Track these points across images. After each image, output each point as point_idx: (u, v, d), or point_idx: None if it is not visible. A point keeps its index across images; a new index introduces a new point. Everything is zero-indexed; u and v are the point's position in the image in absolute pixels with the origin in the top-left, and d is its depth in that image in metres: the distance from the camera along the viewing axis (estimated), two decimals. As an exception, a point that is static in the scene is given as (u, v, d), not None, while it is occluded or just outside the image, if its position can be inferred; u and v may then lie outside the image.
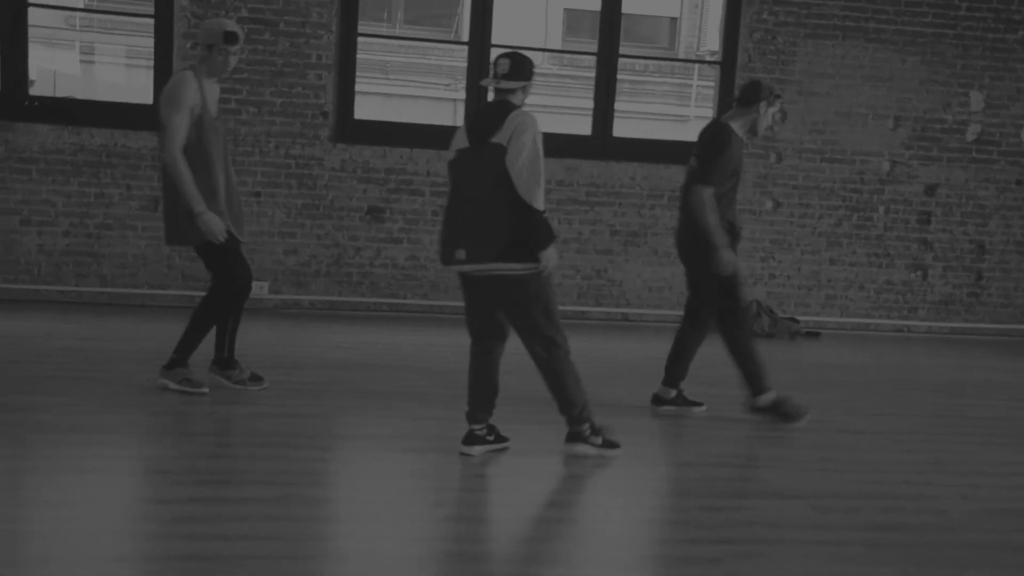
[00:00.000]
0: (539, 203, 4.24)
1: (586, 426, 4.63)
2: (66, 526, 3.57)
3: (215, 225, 4.93)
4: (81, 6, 12.23)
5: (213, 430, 4.68)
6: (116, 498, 3.99)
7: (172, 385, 5.19)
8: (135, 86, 13.79)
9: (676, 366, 5.63)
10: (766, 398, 5.38)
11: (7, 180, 7.34)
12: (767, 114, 5.35)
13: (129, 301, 7.56)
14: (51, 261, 7.48)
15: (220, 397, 5.21)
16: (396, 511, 3.94)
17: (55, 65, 13.12)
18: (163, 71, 7.52)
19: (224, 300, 5.19)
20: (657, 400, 5.64)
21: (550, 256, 4.29)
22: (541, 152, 4.29)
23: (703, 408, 5.60)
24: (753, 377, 5.38)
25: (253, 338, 6.93)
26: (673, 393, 5.64)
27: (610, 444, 4.68)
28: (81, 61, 15.83)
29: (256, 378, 5.39)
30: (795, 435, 5.23)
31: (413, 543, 3.64)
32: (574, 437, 4.63)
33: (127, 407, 4.99)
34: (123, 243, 7.57)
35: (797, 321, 8.39)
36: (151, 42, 7.69)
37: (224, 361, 5.35)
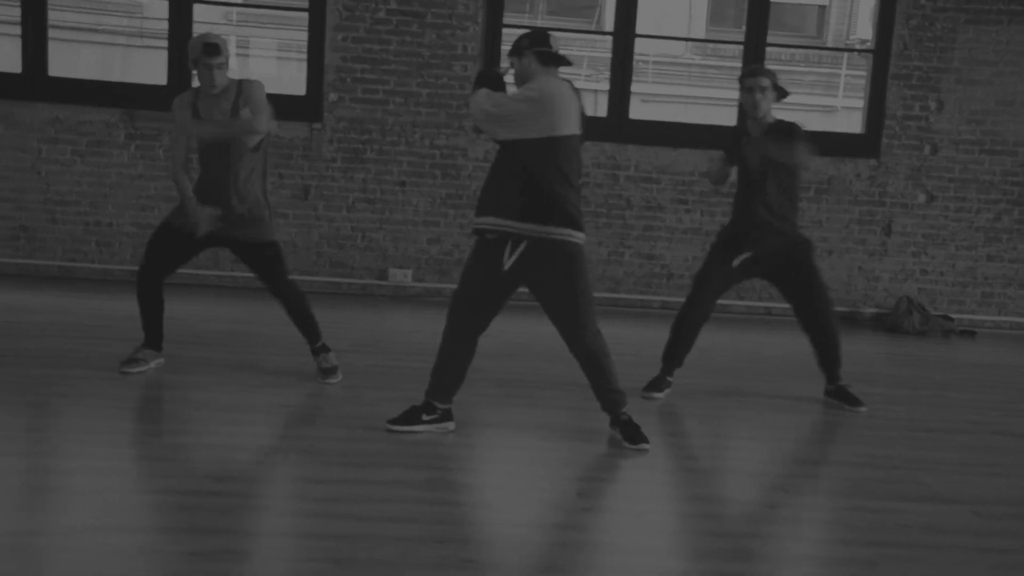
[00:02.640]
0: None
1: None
2: (223, 500, 3.70)
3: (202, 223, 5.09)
4: (240, 1, 12.72)
5: (361, 413, 4.79)
6: (270, 476, 4.13)
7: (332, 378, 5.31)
8: (286, 77, 14.23)
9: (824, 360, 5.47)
10: None
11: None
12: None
13: (279, 286, 7.80)
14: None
15: (366, 382, 5.33)
16: (539, 498, 3.96)
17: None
18: (316, 63, 7.73)
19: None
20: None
21: None
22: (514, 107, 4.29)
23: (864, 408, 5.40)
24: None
25: (396, 325, 7.08)
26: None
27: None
28: (237, 55, 16.45)
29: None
30: (951, 437, 5.02)
31: (555, 530, 3.64)
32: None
33: (278, 389, 5.15)
34: (276, 230, 7.80)
35: (951, 319, 8.05)
36: (303, 35, 7.90)
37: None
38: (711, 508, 4.07)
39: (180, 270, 5.54)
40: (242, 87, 5.18)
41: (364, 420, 4.68)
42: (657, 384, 5.45)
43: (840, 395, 5.45)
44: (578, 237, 4.37)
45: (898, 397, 5.71)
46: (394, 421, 4.53)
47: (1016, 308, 8.26)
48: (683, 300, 5.59)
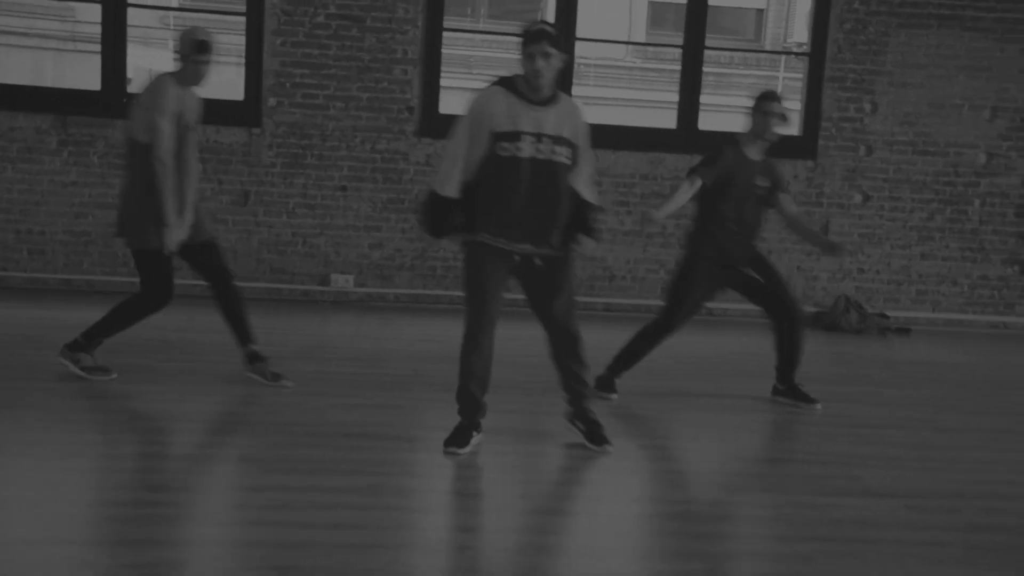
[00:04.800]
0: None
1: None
2: (163, 511, 3.66)
3: (174, 239, 4.96)
4: (175, 5, 12.55)
5: (302, 420, 4.76)
6: (211, 485, 4.09)
7: (74, 368, 5.14)
8: (224, 82, 14.09)
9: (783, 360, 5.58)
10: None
11: (106, 176, 7.53)
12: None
13: (220, 293, 7.71)
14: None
15: (309, 389, 5.29)
16: (483, 503, 3.96)
17: (150, 63, 13.52)
18: (254, 68, 7.66)
19: (148, 309, 5.16)
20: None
21: None
22: (449, 146, 4.32)
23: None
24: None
25: (338, 330, 7.03)
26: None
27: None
28: (174, 59, 16.23)
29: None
30: (888, 432, 5.12)
31: (500, 535, 3.65)
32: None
33: (217, 397, 5.09)
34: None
35: (887, 317, 8.21)
36: (241, 40, 7.83)
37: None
38: (657, 508, 4.11)
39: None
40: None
41: (306, 427, 4.65)
42: (611, 384, 5.50)
43: (795, 394, 5.54)
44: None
45: (836, 394, 5.81)
46: (452, 443, 4.42)
47: (949, 305, 8.44)
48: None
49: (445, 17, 7.91)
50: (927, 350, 7.53)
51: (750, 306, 8.18)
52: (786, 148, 8.26)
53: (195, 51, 4.97)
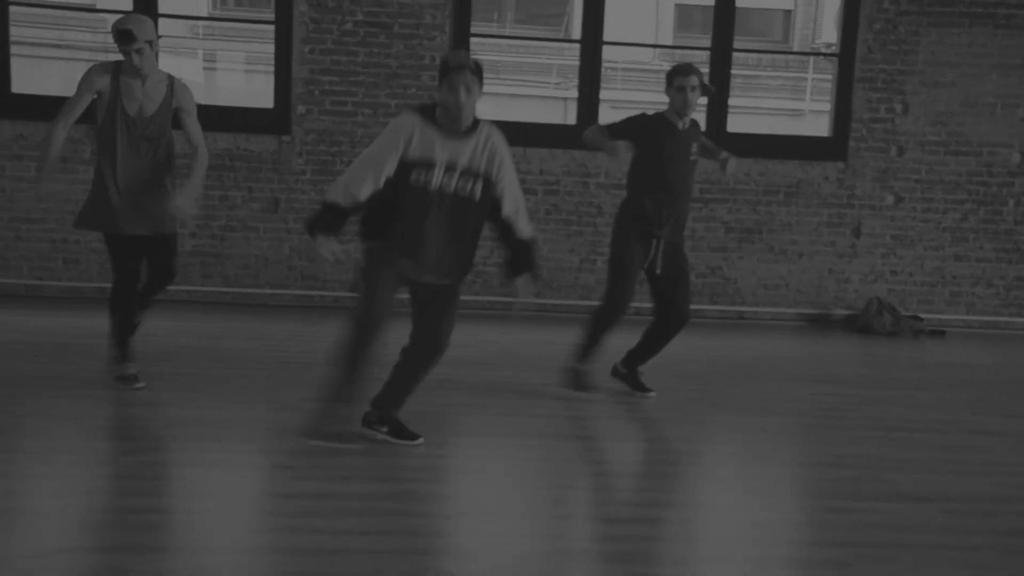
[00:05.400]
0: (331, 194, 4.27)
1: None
2: (196, 517, 3.68)
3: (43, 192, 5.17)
4: (205, 15, 12.65)
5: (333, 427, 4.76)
6: (243, 491, 4.10)
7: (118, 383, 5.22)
8: (253, 91, 14.19)
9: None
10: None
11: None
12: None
13: (251, 300, 7.77)
14: (179, 262, 7.73)
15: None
16: (513, 508, 3.95)
17: (180, 73, 13.66)
18: (284, 76, 7.70)
19: (115, 293, 5.20)
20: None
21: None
22: (370, 151, 4.25)
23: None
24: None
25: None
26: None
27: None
28: (204, 68, 16.39)
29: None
30: (923, 436, 5.06)
31: (530, 539, 3.64)
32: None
33: (250, 403, 5.12)
34: (245, 244, 7.78)
35: (920, 319, 8.13)
36: (270, 48, 7.88)
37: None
38: (685, 513, 4.09)
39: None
40: (175, 87, 5.18)
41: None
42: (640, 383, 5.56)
43: (631, 380, 5.60)
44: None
45: (869, 397, 5.76)
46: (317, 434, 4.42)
47: (984, 307, 8.35)
48: (636, 306, 5.67)
49: (472, 23, 7.93)
50: (961, 352, 7.45)
51: (781, 308, 8.20)
52: (816, 149, 8.24)
53: (117, 41, 4.95)
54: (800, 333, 7.75)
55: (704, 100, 8.21)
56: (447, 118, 4.18)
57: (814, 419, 5.35)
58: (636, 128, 5.37)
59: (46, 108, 7.67)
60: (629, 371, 5.62)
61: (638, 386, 5.58)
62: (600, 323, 5.46)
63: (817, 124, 14.71)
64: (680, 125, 5.36)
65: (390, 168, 4.18)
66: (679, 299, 5.43)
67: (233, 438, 4.61)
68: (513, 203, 4.33)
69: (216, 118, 7.88)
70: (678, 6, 18.23)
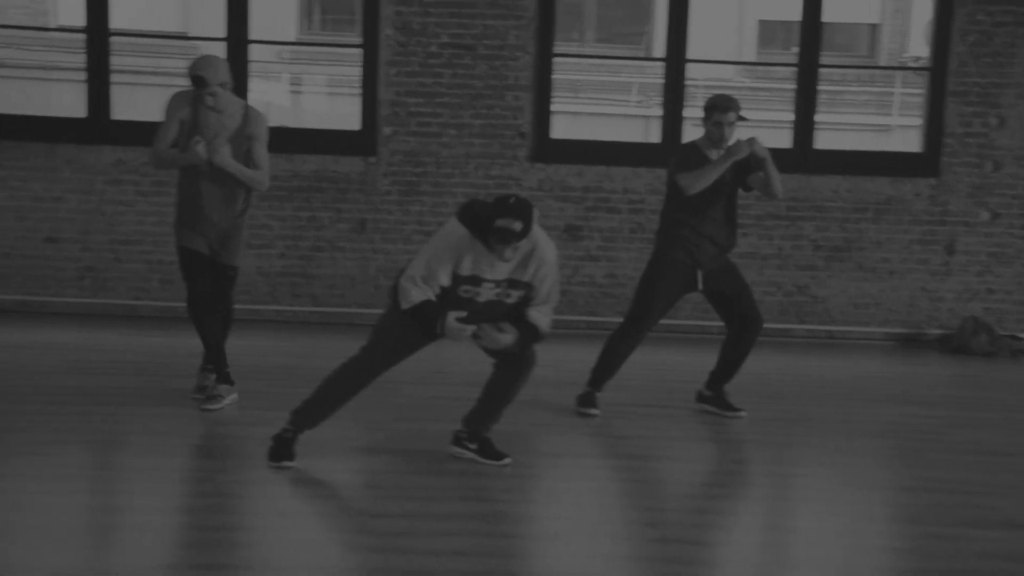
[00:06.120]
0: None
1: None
2: (291, 536, 3.73)
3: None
4: (293, 39, 12.94)
5: (423, 447, 4.80)
6: (334, 511, 4.16)
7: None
8: (337, 113, 14.41)
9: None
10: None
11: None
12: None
13: (338, 320, 7.85)
14: (268, 282, 7.88)
15: (429, 414, 5.33)
16: (606, 530, 3.93)
17: (268, 97, 13.92)
18: (370, 98, 7.81)
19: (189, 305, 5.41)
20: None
21: None
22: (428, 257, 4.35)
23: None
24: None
25: (454, 355, 7.07)
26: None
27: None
28: (290, 91, 16.72)
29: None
30: (1022, 461, 4.89)
31: (626, 562, 3.61)
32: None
33: (339, 423, 5.16)
34: (333, 264, 7.89)
35: (1019, 339, 7.87)
36: (354, 71, 7.99)
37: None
38: (780, 537, 4.02)
39: (237, 305, 5.71)
40: (249, 116, 5.35)
41: (425, 453, 4.69)
42: (593, 400, 5.51)
43: (719, 402, 5.52)
44: None
45: (966, 420, 5.60)
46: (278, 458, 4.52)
47: (1086, 326, 8.06)
48: (721, 325, 5.64)
49: (555, 42, 7.95)
50: (1063, 373, 7.20)
51: (871, 328, 8.02)
52: (907, 165, 8.06)
53: (192, 84, 5.17)
54: (891, 353, 7.57)
55: (786, 117, 8.11)
56: (496, 249, 4.24)
57: (908, 441, 5.22)
58: (694, 159, 5.39)
59: (144, 133, 7.89)
60: (715, 393, 5.56)
61: (727, 406, 5.51)
62: (617, 349, 5.52)
63: (905, 139, 14.41)
64: (714, 155, 5.37)
65: (445, 280, 4.32)
66: (746, 307, 5.44)
67: (324, 457, 4.66)
68: (544, 299, 4.43)
69: (304, 140, 8.04)
70: (761, 22, 18.04)
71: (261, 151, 5.39)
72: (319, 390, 4.59)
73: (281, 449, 4.51)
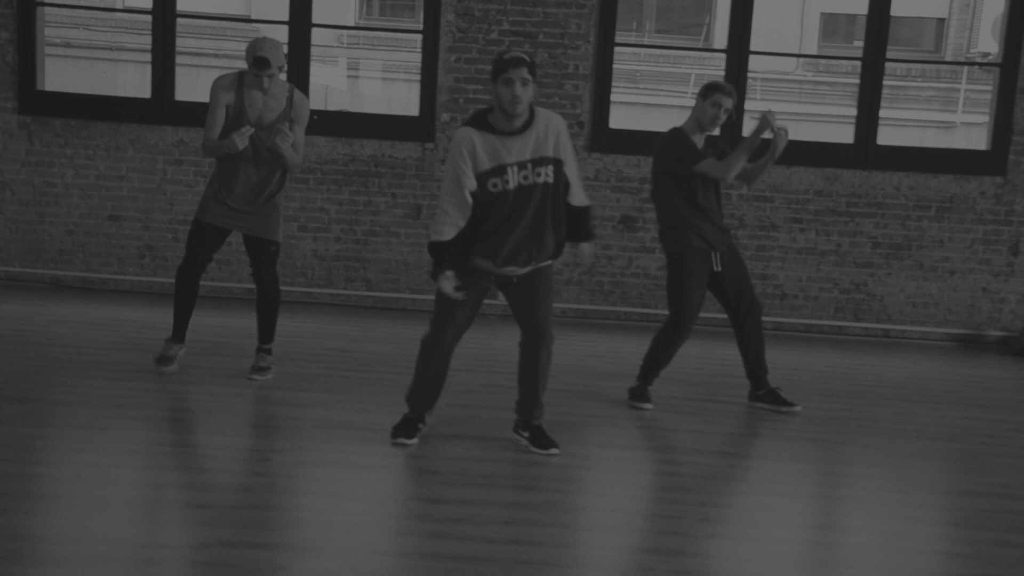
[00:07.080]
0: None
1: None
2: (346, 519, 3.75)
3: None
4: (352, 24, 13.00)
5: (478, 433, 4.81)
6: (390, 495, 4.17)
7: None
8: (394, 98, 14.47)
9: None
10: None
11: (287, 189, 7.83)
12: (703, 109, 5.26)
13: (392, 305, 7.90)
14: (323, 265, 7.94)
15: (481, 401, 5.34)
16: (659, 525, 3.90)
17: (326, 81, 13.99)
18: (429, 84, 7.82)
19: (179, 271, 5.52)
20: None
21: None
22: (446, 182, 4.38)
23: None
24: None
25: (507, 344, 7.08)
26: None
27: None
28: (348, 76, 16.82)
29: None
30: (1090, 469, 4.79)
31: (679, 559, 3.58)
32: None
33: (395, 408, 5.19)
34: (388, 249, 7.92)
35: (1083, 344, 7.69)
36: (412, 56, 8.01)
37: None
38: (835, 537, 3.97)
39: (292, 288, 5.78)
40: (294, 99, 5.43)
41: (480, 440, 4.70)
42: (645, 394, 5.47)
43: (772, 398, 5.47)
44: None
45: (1030, 425, 5.49)
46: (400, 434, 4.66)
47: None
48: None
49: (616, 32, 7.89)
50: None
51: (930, 328, 7.89)
52: (973, 163, 7.90)
53: (253, 66, 5.20)
54: (950, 354, 7.44)
55: (847, 112, 7.98)
56: (504, 116, 4.25)
57: (971, 445, 5.12)
58: (688, 147, 5.32)
59: (204, 114, 8.00)
60: (765, 390, 5.50)
61: (781, 401, 5.46)
62: (663, 346, 5.48)
63: (969, 136, 14.14)
64: (699, 143, 5.32)
65: (471, 184, 4.29)
66: (746, 292, 5.43)
67: (379, 441, 4.68)
68: (571, 176, 4.45)
69: (362, 125, 8.07)
70: (824, 15, 17.79)
71: (301, 135, 5.50)
72: (415, 371, 4.70)
73: (404, 426, 4.66)
